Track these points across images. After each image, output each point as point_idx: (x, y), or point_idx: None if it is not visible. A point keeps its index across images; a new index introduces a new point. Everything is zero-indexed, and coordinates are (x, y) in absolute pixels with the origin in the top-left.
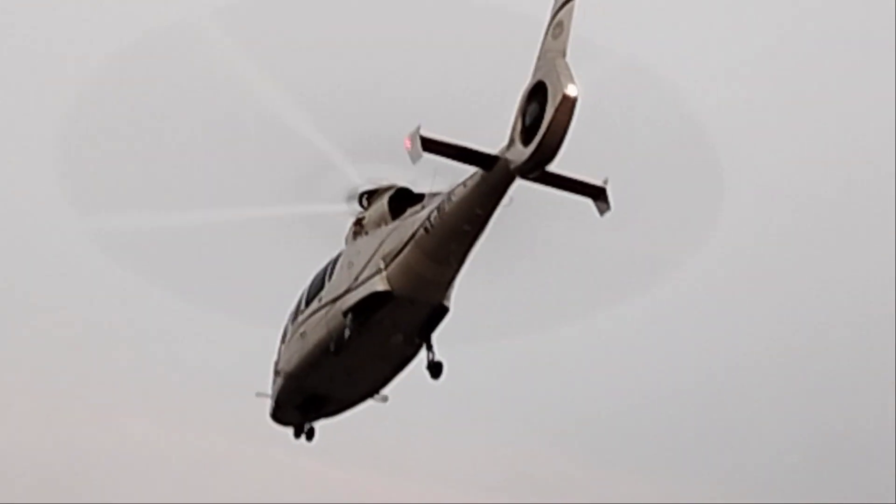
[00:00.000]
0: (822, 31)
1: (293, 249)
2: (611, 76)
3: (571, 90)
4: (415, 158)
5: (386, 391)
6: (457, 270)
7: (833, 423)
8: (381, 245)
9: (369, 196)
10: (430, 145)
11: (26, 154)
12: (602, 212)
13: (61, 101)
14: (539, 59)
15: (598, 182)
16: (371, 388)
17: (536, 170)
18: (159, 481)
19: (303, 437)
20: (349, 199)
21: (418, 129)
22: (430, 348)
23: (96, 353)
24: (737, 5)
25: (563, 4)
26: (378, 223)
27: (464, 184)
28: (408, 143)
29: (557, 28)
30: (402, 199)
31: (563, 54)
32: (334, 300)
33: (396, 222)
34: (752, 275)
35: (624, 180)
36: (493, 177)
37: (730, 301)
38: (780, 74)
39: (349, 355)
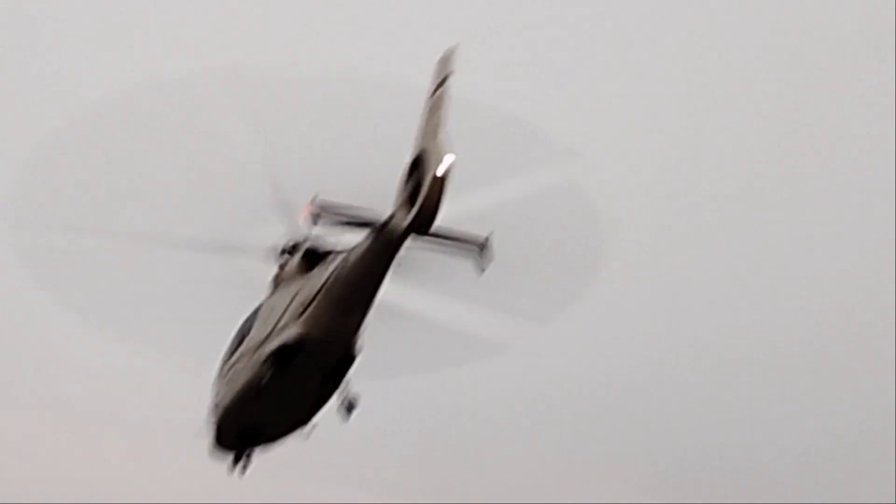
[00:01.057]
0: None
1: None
2: (495, 139)
3: (446, 161)
4: (308, 224)
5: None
6: (361, 320)
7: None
8: (294, 297)
9: (289, 251)
10: (324, 211)
11: None
12: (483, 266)
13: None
14: (420, 130)
15: (479, 238)
16: (295, 424)
17: (419, 231)
18: None
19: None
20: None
21: (315, 196)
22: (342, 391)
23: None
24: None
25: (444, 80)
26: (293, 276)
27: (361, 243)
28: (302, 210)
29: (437, 101)
30: (315, 254)
31: (442, 126)
32: (254, 348)
33: (307, 275)
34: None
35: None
36: (384, 237)
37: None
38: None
39: (270, 397)
